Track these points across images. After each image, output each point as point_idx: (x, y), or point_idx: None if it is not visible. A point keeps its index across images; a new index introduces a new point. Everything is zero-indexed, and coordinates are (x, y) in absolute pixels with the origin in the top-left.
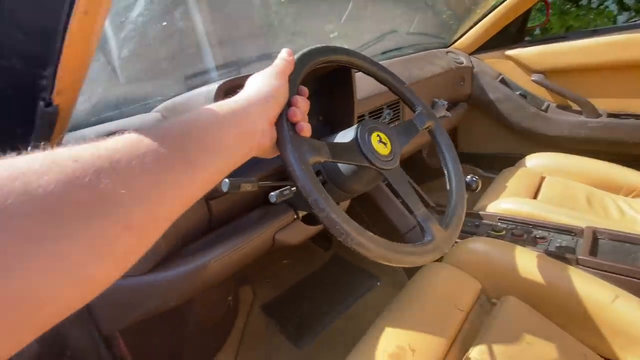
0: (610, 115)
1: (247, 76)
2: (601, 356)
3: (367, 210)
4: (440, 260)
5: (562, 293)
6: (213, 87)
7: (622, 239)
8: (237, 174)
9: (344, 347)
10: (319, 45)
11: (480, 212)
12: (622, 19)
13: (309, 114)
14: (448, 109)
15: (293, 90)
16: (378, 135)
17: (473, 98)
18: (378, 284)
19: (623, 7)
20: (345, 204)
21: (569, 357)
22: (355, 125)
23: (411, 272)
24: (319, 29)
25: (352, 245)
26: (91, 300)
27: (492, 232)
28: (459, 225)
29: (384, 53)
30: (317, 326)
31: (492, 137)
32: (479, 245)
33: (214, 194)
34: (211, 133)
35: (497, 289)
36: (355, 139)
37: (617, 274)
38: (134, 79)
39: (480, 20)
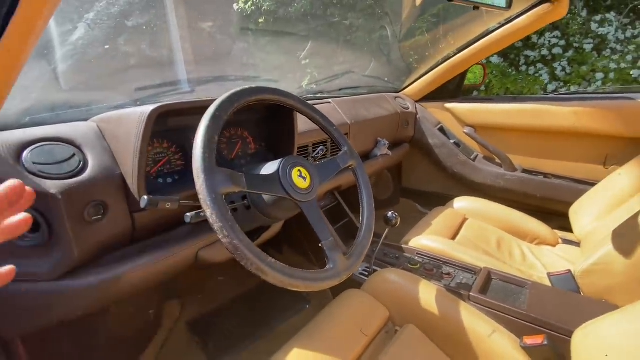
0: (525, 171)
1: (186, 103)
2: None
3: (304, 232)
4: (358, 287)
5: (452, 324)
6: (147, 109)
7: (511, 281)
8: (165, 191)
9: None
10: (250, 87)
11: (403, 246)
12: (551, 87)
13: (253, 139)
14: (392, 148)
15: (219, 126)
16: (299, 170)
17: (415, 140)
18: (307, 306)
19: (554, 78)
20: (278, 226)
21: None
22: (280, 160)
23: (336, 296)
24: (277, 62)
25: (252, 269)
26: None
27: (408, 265)
28: (362, 256)
29: (341, 89)
30: (239, 346)
31: (430, 177)
32: (392, 276)
33: (138, 208)
34: None
35: (402, 317)
36: (277, 171)
37: (498, 311)
38: (82, 83)
39: (426, 73)
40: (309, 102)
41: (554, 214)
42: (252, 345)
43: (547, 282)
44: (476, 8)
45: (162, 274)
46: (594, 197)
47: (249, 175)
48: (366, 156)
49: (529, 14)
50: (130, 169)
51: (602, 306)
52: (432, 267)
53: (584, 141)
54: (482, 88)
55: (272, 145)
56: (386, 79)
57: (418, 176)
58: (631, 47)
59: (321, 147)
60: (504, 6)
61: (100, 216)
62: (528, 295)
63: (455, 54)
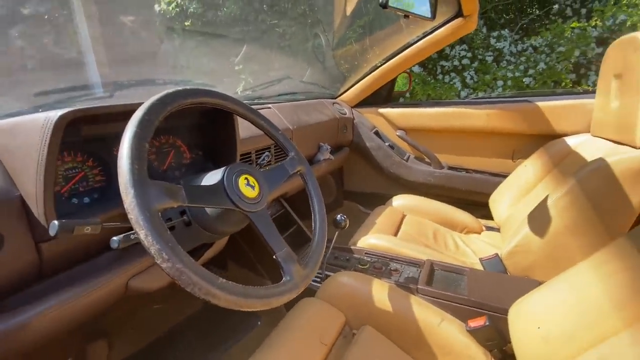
0: (450, 167)
1: (107, 107)
2: None
3: (250, 245)
4: (312, 295)
5: (405, 319)
6: (53, 115)
7: (451, 270)
8: (82, 213)
9: None
10: (185, 88)
11: (352, 247)
12: (463, 93)
13: (188, 148)
14: (333, 152)
15: (149, 132)
16: (246, 179)
17: (354, 144)
18: (259, 323)
19: (465, 85)
20: (222, 241)
21: None
22: (223, 168)
23: (289, 308)
24: (209, 66)
25: (200, 295)
26: None
27: (358, 266)
28: (318, 264)
29: (279, 95)
30: None
31: (369, 178)
32: (345, 279)
33: (45, 236)
34: None
35: (358, 320)
36: (222, 181)
37: (444, 299)
38: None
39: (359, 80)
40: None
41: (477, 204)
42: None
43: (480, 267)
44: (406, 17)
45: (83, 313)
46: (507, 187)
47: (188, 187)
48: (310, 161)
49: (445, 27)
50: (32, 189)
51: (527, 283)
52: (380, 265)
53: (495, 139)
54: (408, 95)
55: (210, 154)
56: (323, 86)
57: (358, 178)
58: (522, 59)
59: (266, 154)
60: (429, 16)
61: None
62: (467, 281)
63: (384, 63)
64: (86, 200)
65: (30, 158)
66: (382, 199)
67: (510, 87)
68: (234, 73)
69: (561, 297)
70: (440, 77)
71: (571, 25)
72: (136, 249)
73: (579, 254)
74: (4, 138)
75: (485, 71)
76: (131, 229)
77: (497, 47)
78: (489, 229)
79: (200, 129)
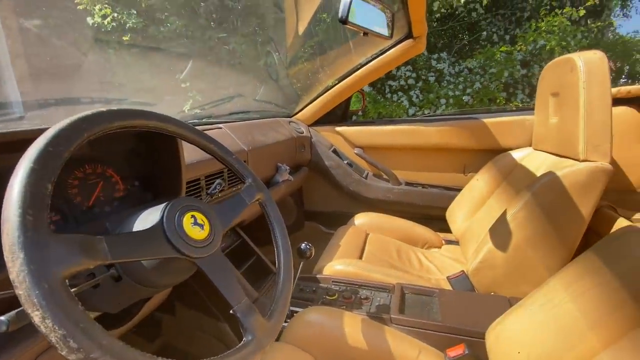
0: (407, 183)
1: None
2: None
3: (201, 284)
4: (278, 339)
5: (381, 355)
6: None
7: (421, 292)
8: None
9: None
10: (109, 109)
11: (317, 276)
12: (411, 111)
13: (122, 178)
14: (292, 172)
15: (55, 168)
16: (193, 216)
17: (313, 163)
18: None
19: (412, 103)
20: (164, 292)
21: None
22: (163, 205)
23: None
24: (150, 83)
25: None
26: None
27: (326, 297)
28: (285, 312)
29: (231, 114)
30: None
31: (330, 197)
32: (313, 317)
33: None
34: None
35: None
36: (161, 222)
37: (419, 328)
38: None
39: (315, 99)
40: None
41: (435, 218)
42: None
43: (448, 285)
44: (365, 34)
45: None
46: (461, 200)
47: (112, 238)
48: (268, 183)
49: (396, 47)
50: None
51: (497, 300)
52: (350, 295)
53: (447, 154)
54: (360, 113)
55: (149, 184)
56: (277, 104)
57: (319, 197)
58: (460, 79)
59: (218, 181)
60: (387, 34)
61: None
62: (438, 304)
63: (337, 83)
64: None
65: None
66: (343, 218)
67: (452, 105)
68: (180, 90)
69: (537, 319)
70: (388, 95)
71: (500, 49)
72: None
73: (540, 266)
74: None
75: (429, 90)
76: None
77: (438, 68)
78: (448, 242)
79: (137, 155)
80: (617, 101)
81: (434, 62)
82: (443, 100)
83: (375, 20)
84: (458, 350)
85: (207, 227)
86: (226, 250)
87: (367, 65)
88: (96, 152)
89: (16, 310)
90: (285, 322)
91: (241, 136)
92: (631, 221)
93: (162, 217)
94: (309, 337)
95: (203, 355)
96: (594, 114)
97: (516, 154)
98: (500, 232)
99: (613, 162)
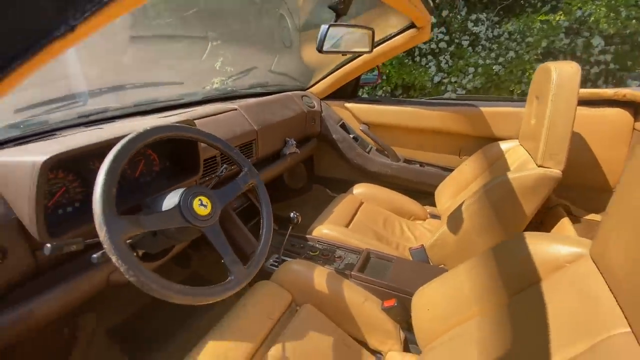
0: (405, 161)
1: (77, 149)
2: (357, 341)
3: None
4: (269, 277)
5: (338, 299)
6: (38, 160)
7: (383, 258)
8: (67, 222)
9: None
10: (145, 129)
11: (307, 236)
12: (437, 78)
13: (158, 156)
14: (302, 143)
15: (115, 176)
16: (200, 200)
17: (322, 135)
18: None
19: (439, 69)
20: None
21: (337, 347)
22: (181, 192)
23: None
24: (179, 65)
25: (160, 298)
26: None
27: (309, 253)
28: (259, 265)
29: (250, 87)
30: (161, 346)
31: (336, 165)
32: (294, 266)
33: (39, 245)
34: None
35: (302, 299)
36: (178, 204)
37: (370, 284)
38: None
39: (329, 74)
40: (216, 103)
41: (426, 194)
42: (173, 343)
43: (409, 256)
44: (344, 54)
45: (73, 301)
46: (450, 181)
47: (147, 218)
48: (277, 155)
49: (401, 35)
50: (26, 215)
51: (437, 271)
52: (328, 253)
53: (445, 137)
54: (379, 80)
55: (176, 163)
56: (292, 77)
57: (327, 165)
58: (494, 46)
59: (225, 166)
60: (367, 50)
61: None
62: (392, 269)
63: (351, 61)
64: (69, 210)
65: (23, 190)
66: (346, 185)
67: (480, 75)
68: (204, 68)
69: (445, 287)
70: (417, 59)
71: (538, 18)
72: None
73: (481, 249)
74: (3, 174)
75: (460, 56)
76: None
77: (474, 31)
78: (433, 216)
79: (169, 142)
80: (613, 102)
81: (470, 25)
82: (471, 69)
83: (355, 39)
84: (391, 302)
85: (209, 206)
86: (237, 209)
87: (376, 48)
88: None
89: (101, 251)
90: (276, 267)
91: (253, 116)
92: (579, 221)
93: (179, 201)
94: (290, 281)
95: (219, 281)
96: (556, 125)
97: (504, 145)
98: (456, 217)
99: (594, 161)
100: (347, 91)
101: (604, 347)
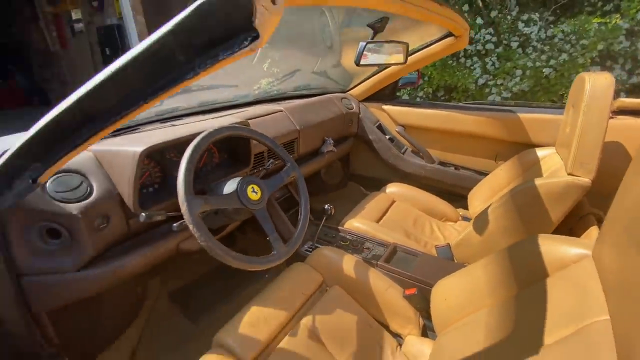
0: (440, 163)
1: (165, 143)
2: (380, 323)
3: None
4: (303, 260)
5: (363, 284)
6: (138, 150)
7: (409, 252)
8: (149, 199)
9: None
10: (214, 129)
11: (339, 227)
12: (481, 81)
13: (217, 150)
14: (340, 142)
15: (193, 166)
16: (252, 187)
17: (359, 135)
18: (266, 276)
19: (485, 71)
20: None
21: (361, 326)
22: (238, 180)
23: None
24: (235, 71)
25: (222, 261)
26: (25, 286)
27: (341, 242)
28: (297, 246)
29: (295, 89)
30: (213, 309)
31: (371, 165)
32: (326, 252)
33: (132, 216)
34: None
35: (331, 281)
36: (236, 190)
37: (394, 273)
38: None
39: (369, 77)
40: (265, 104)
41: (459, 196)
42: (222, 308)
43: (435, 253)
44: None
45: (150, 262)
46: (484, 185)
47: (214, 198)
48: (315, 153)
49: (439, 42)
50: (126, 191)
51: (458, 268)
52: (357, 244)
53: (481, 142)
54: (421, 82)
55: (233, 156)
56: (334, 79)
57: (362, 164)
58: (546, 48)
59: (271, 160)
60: (402, 62)
61: (105, 224)
62: (417, 262)
63: (389, 66)
64: (150, 190)
65: (125, 171)
66: (381, 183)
67: (528, 78)
68: (255, 72)
69: (464, 280)
70: (462, 60)
71: (593, 20)
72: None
73: None
74: (109, 158)
75: (508, 58)
76: (182, 217)
77: (524, 32)
78: (465, 218)
79: (227, 139)
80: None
81: (521, 25)
82: (519, 72)
83: (390, 52)
84: (412, 291)
85: (259, 193)
86: (279, 199)
87: (415, 54)
88: None
89: (180, 222)
90: (310, 252)
91: (297, 117)
92: None
93: (237, 187)
94: (321, 264)
95: None
96: (587, 135)
97: (540, 152)
98: (482, 219)
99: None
100: (386, 93)
101: (586, 331)
